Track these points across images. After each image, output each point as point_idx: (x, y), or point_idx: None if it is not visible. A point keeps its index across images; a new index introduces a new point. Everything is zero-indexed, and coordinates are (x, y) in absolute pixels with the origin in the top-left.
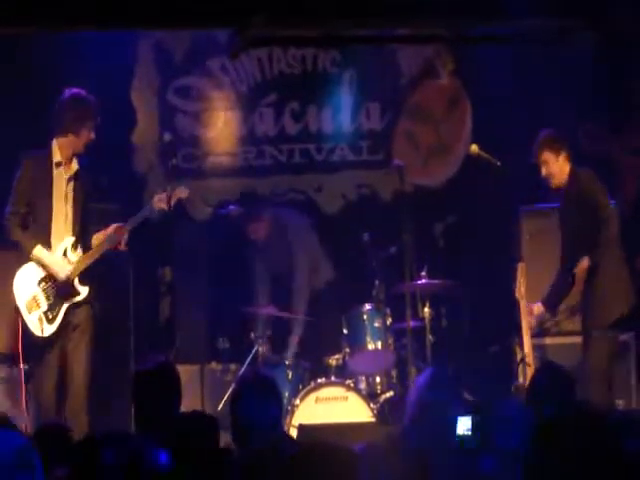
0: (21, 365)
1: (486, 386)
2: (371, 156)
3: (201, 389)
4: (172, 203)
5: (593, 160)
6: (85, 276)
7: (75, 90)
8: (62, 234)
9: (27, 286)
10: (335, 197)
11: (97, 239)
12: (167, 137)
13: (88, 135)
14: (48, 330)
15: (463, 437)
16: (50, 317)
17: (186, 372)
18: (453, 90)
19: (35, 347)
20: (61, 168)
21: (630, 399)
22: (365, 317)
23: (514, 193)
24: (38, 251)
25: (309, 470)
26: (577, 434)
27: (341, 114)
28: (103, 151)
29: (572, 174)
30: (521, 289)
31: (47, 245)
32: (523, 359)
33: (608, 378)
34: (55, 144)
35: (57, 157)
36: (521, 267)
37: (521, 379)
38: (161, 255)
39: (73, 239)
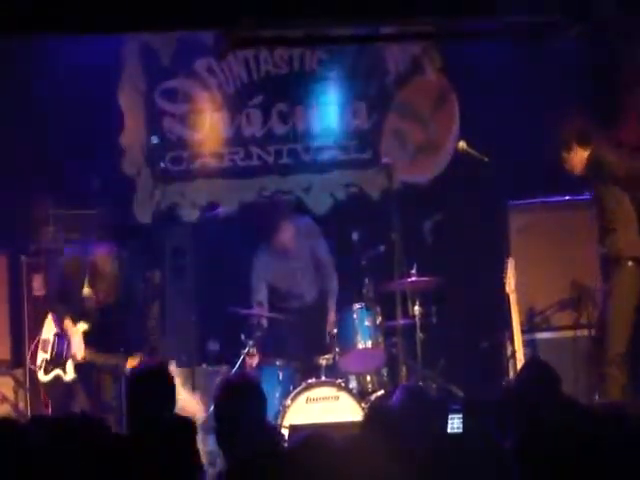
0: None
1: (477, 383)
2: (359, 155)
3: (192, 391)
4: None
5: None
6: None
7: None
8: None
9: (49, 328)
10: (324, 197)
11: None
12: (154, 140)
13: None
14: (43, 377)
15: (453, 435)
16: (46, 369)
17: (177, 375)
18: (440, 87)
19: None
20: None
21: None
22: (355, 316)
23: (502, 189)
24: (66, 324)
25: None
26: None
27: (328, 113)
28: (93, 153)
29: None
30: (511, 284)
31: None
32: (513, 355)
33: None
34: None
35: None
36: (510, 262)
37: (512, 375)
38: (150, 258)
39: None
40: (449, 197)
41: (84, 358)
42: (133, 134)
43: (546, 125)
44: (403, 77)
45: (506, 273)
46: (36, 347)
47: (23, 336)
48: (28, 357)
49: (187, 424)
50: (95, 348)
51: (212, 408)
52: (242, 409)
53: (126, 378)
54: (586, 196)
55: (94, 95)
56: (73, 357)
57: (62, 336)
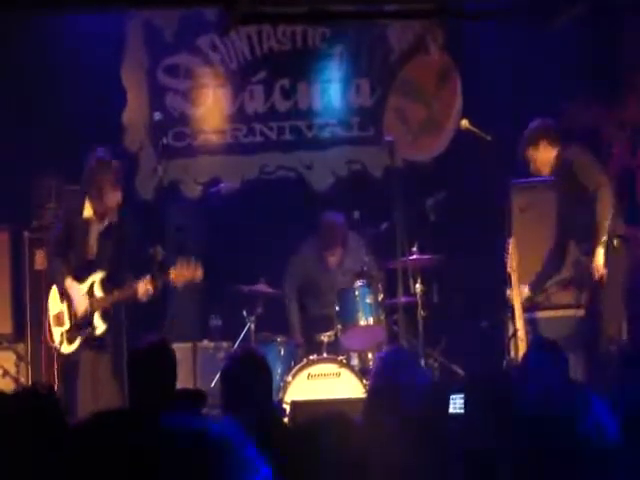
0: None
1: (478, 361)
2: (361, 132)
3: (193, 367)
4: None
5: (579, 134)
6: (107, 314)
7: (100, 154)
8: (95, 268)
9: (56, 302)
10: (326, 174)
11: (134, 288)
12: (157, 116)
13: (114, 198)
14: (67, 349)
15: (456, 415)
16: (69, 338)
17: (178, 350)
18: (443, 65)
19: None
20: (93, 223)
21: None
22: (357, 293)
23: (505, 167)
24: (67, 284)
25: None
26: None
27: (331, 90)
28: (95, 131)
29: (559, 158)
30: (513, 263)
31: (79, 276)
32: (515, 333)
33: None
34: (87, 200)
35: (88, 213)
36: (512, 242)
37: (513, 354)
38: (152, 234)
39: (102, 275)
40: (451, 175)
41: (104, 304)
42: (136, 110)
43: (548, 103)
44: (406, 55)
45: (508, 252)
46: (49, 326)
47: (25, 311)
48: (45, 336)
49: (197, 396)
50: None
51: (219, 380)
52: (251, 381)
53: (128, 354)
54: None
55: (96, 72)
56: (93, 308)
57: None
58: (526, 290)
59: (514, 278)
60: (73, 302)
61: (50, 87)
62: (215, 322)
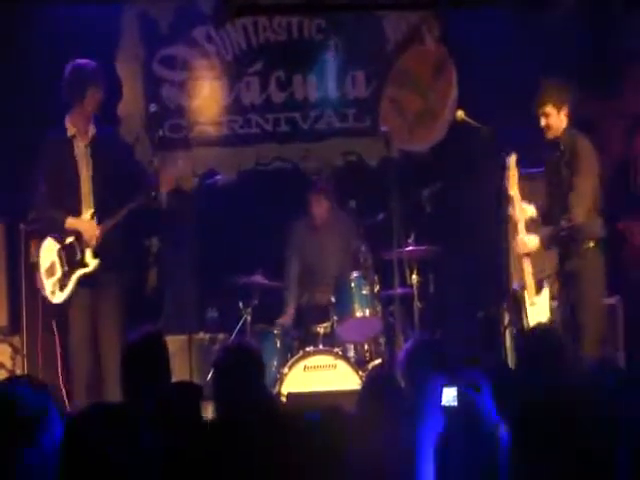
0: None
1: (474, 352)
2: (357, 123)
3: (189, 359)
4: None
5: (576, 123)
6: (97, 249)
7: (73, 62)
8: (89, 201)
9: (48, 255)
10: (321, 165)
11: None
12: (153, 108)
13: (93, 100)
14: (59, 297)
15: (448, 408)
16: (62, 284)
17: (174, 342)
18: (439, 56)
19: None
20: (78, 140)
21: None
22: (353, 285)
23: (501, 158)
24: (69, 222)
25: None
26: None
27: (327, 82)
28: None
29: (569, 130)
30: (512, 182)
31: (77, 214)
32: (510, 324)
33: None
34: (67, 119)
35: (71, 131)
36: (512, 159)
37: (508, 344)
38: (148, 225)
39: (92, 210)
40: (448, 166)
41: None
42: (131, 102)
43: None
44: (402, 46)
45: (507, 170)
46: (42, 281)
47: (20, 303)
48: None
49: (193, 389)
50: None
51: (211, 373)
52: (242, 375)
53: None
54: None
55: None
56: (89, 244)
57: (68, 246)
58: (532, 209)
59: (516, 196)
60: (82, 234)
61: (43, 77)
62: (211, 314)
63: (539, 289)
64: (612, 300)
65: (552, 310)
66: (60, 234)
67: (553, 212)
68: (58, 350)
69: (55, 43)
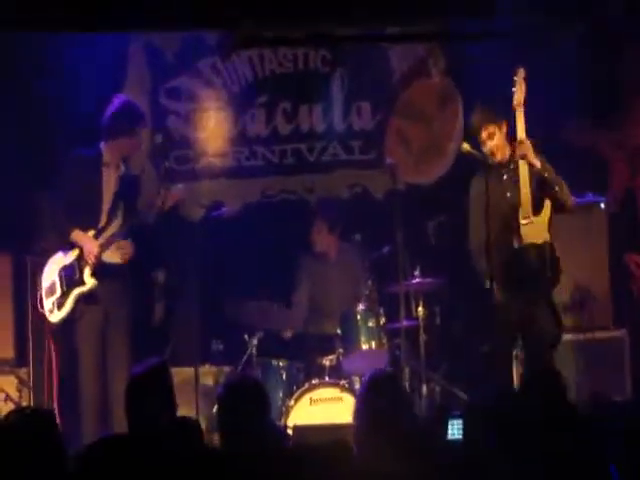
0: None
1: (479, 386)
2: (363, 155)
3: (195, 392)
4: (168, 204)
5: (579, 156)
6: (96, 270)
7: (125, 98)
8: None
9: (49, 275)
10: (326, 196)
11: None
12: (158, 138)
13: (137, 141)
14: (56, 316)
15: (453, 441)
16: (60, 303)
17: (180, 375)
18: (444, 88)
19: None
20: (110, 169)
21: (625, 394)
22: (359, 317)
23: None
24: (75, 234)
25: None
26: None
27: (332, 113)
28: (97, 153)
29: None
30: (520, 96)
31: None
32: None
33: None
34: (104, 146)
35: (107, 158)
36: (521, 72)
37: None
38: (154, 258)
39: (95, 230)
40: (453, 198)
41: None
42: None
43: (548, 126)
44: (407, 78)
45: (516, 83)
46: (41, 300)
47: (27, 335)
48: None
49: (192, 425)
50: None
51: (216, 408)
52: (244, 410)
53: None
54: (594, 198)
55: (98, 95)
56: (88, 263)
57: (69, 266)
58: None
59: (519, 114)
60: (83, 250)
61: (50, 109)
62: (217, 346)
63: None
64: (619, 333)
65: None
66: (64, 249)
67: None
68: (54, 374)
69: (61, 74)
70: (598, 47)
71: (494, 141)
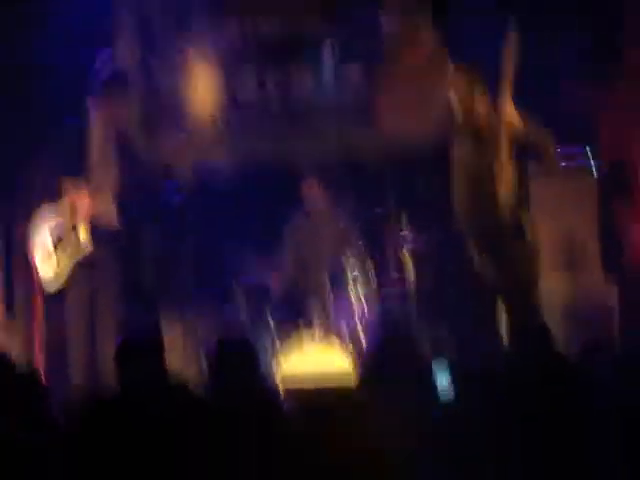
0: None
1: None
2: (354, 117)
3: (184, 348)
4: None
5: (573, 116)
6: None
7: (111, 60)
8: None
9: (43, 240)
10: (318, 160)
11: None
12: (147, 101)
13: (126, 106)
14: (53, 282)
15: (441, 392)
16: (57, 272)
17: (170, 331)
18: (436, 53)
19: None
20: (98, 132)
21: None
22: (348, 270)
23: None
24: (68, 197)
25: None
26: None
27: (323, 75)
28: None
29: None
30: (509, 63)
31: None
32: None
33: None
34: (92, 110)
35: (94, 122)
36: (514, 36)
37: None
38: (144, 220)
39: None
40: (444, 157)
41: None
42: None
43: (546, 84)
44: (399, 43)
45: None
46: (36, 266)
47: (14, 304)
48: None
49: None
50: None
51: (205, 366)
52: (234, 364)
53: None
54: (584, 160)
55: (85, 58)
56: (84, 224)
57: (63, 229)
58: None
59: (507, 79)
60: (78, 209)
61: (35, 76)
62: (206, 299)
63: None
64: (609, 291)
65: None
66: (56, 209)
67: None
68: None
69: (47, 39)
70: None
71: (479, 105)
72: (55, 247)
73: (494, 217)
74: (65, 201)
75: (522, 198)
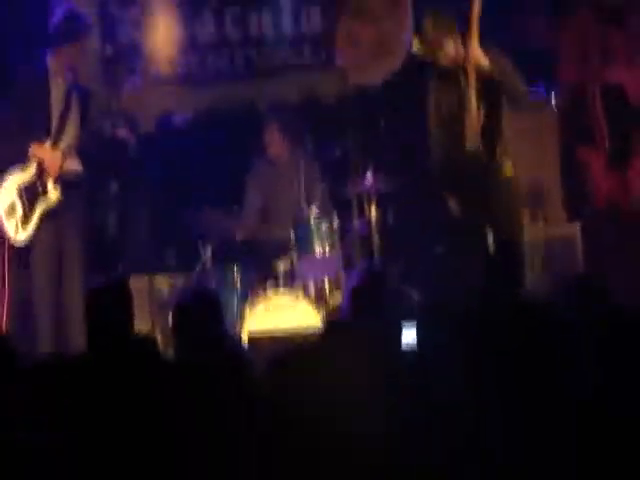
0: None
1: (433, 287)
2: (313, 58)
3: (150, 302)
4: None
5: (535, 50)
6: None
7: (69, 6)
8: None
9: (6, 195)
10: (277, 101)
11: None
12: (108, 49)
13: (82, 50)
14: (22, 235)
15: (408, 347)
16: (24, 222)
17: (134, 285)
18: None
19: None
20: (57, 79)
21: None
22: (311, 221)
23: None
24: (34, 149)
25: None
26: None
27: (282, 17)
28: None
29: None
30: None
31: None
32: None
33: None
34: (50, 56)
35: (53, 68)
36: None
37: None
38: (107, 169)
39: (54, 140)
40: (404, 99)
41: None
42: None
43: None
44: None
45: None
46: (1, 224)
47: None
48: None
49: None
50: None
51: (170, 317)
52: (198, 318)
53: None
54: (544, 94)
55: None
56: (51, 175)
57: (29, 182)
58: None
59: (473, 19)
60: (44, 164)
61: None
62: (170, 253)
63: None
64: (572, 228)
65: None
66: (23, 164)
67: None
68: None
69: None
70: None
71: (446, 46)
72: (22, 201)
73: (467, 154)
74: (33, 162)
75: (496, 135)
